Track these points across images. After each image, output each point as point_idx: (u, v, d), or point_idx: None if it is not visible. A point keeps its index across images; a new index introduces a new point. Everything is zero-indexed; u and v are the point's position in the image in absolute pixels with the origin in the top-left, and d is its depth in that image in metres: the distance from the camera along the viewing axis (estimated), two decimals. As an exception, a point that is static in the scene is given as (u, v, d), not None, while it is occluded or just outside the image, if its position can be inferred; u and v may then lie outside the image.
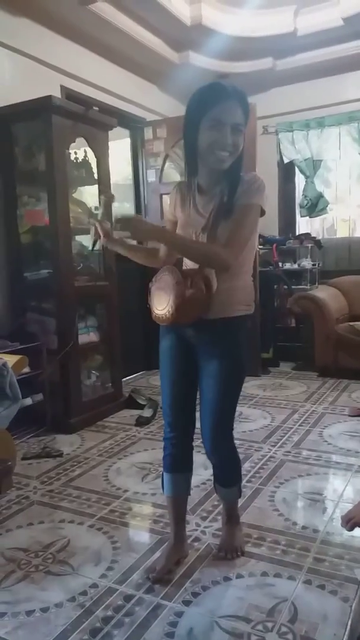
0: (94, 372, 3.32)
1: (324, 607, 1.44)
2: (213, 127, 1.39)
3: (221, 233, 1.45)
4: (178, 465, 1.71)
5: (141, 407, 3.32)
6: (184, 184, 1.58)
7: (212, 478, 2.26)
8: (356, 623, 0.74)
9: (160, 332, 1.65)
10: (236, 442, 2.76)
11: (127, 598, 1.52)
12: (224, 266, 1.41)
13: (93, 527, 1.94)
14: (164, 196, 4.47)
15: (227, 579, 1.60)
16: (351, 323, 3.96)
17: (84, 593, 1.56)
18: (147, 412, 3.21)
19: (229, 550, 1.73)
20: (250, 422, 3.09)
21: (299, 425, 2.99)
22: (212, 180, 1.50)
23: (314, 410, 3.26)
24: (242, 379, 1.62)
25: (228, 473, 1.74)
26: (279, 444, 2.70)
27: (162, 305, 1.45)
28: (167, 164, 4.41)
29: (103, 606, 1.49)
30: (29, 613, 1.47)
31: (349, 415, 3.09)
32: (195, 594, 1.53)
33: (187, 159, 1.50)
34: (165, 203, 4.51)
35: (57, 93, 3.43)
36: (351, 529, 1.06)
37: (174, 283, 1.42)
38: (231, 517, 1.80)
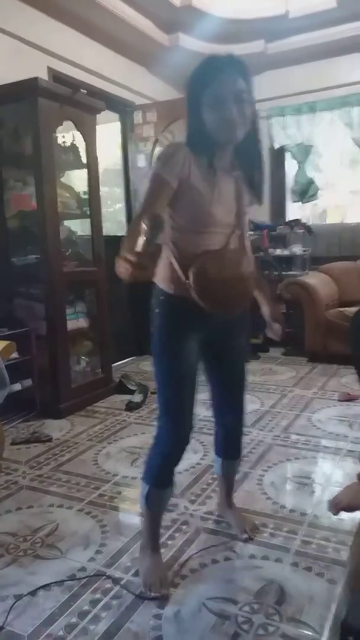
0: (83, 357, 3.31)
1: (310, 589, 1.46)
2: (215, 105, 1.32)
3: (244, 216, 1.45)
4: (171, 478, 1.56)
5: (131, 392, 3.32)
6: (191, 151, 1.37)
7: (200, 462, 2.31)
8: (341, 608, 0.74)
9: (179, 326, 1.45)
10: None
11: (115, 581, 1.53)
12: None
13: (82, 511, 1.94)
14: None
15: (215, 561, 1.61)
16: (341, 309, 3.97)
17: (72, 577, 1.56)
18: (137, 397, 3.22)
19: (252, 529, 1.75)
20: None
21: (288, 410, 3.01)
22: (227, 159, 1.42)
23: (303, 395, 3.28)
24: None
25: (241, 442, 1.76)
26: (267, 428, 2.72)
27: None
28: (157, 148, 4.36)
29: (91, 589, 1.50)
30: (17, 597, 1.47)
31: (339, 400, 3.11)
32: (183, 577, 1.54)
33: (201, 141, 1.37)
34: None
35: (43, 75, 3.36)
36: (337, 513, 1.07)
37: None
38: (231, 497, 1.82)
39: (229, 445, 1.76)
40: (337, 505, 1.08)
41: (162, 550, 1.64)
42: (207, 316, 1.42)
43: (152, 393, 3.39)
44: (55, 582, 1.53)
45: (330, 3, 3.84)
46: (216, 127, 1.34)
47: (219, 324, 1.50)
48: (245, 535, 1.73)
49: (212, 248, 1.40)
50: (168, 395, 1.50)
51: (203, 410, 2.97)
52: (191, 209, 1.37)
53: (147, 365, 4.26)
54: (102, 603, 1.44)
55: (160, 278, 1.47)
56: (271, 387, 3.50)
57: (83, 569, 1.60)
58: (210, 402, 1.71)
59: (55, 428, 2.84)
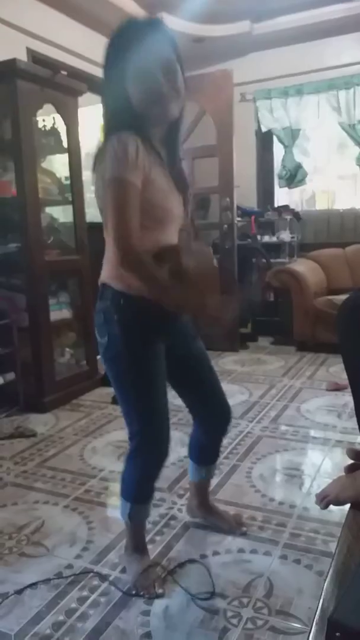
0: (67, 349, 3.25)
1: (299, 581, 1.45)
2: (142, 77, 1.18)
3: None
4: (153, 488, 1.49)
5: (118, 384, 3.27)
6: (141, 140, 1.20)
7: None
8: (328, 603, 0.71)
9: (145, 330, 1.31)
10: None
11: (103, 578, 1.51)
12: None
13: (68, 508, 1.91)
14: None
15: (203, 556, 1.59)
16: (329, 297, 3.95)
17: (59, 574, 1.53)
18: (123, 389, 3.17)
19: (239, 523, 1.71)
20: (227, 397, 3.07)
21: (277, 400, 2.99)
22: (159, 135, 1.28)
23: (291, 385, 3.26)
24: None
25: (220, 445, 1.67)
26: (256, 420, 2.70)
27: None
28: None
29: (78, 587, 1.47)
30: (3, 596, 1.44)
31: (327, 390, 3.10)
32: (171, 572, 1.52)
33: (131, 122, 1.20)
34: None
35: (22, 56, 3.25)
36: (325, 507, 1.04)
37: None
38: (208, 497, 1.77)
39: (211, 449, 1.66)
40: (325, 499, 1.05)
41: (150, 547, 1.61)
42: (172, 315, 1.31)
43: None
44: (42, 580, 1.50)
45: (317, -18, 3.76)
46: (145, 103, 1.19)
47: (177, 322, 1.40)
48: (244, 529, 1.69)
49: (169, 243, 1.27)
50: (146, 408, 1.38)
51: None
52: (147, 205, 1.21)
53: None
54: (89, 600, 1.42)
55: (114, 276, 1.29)
56: (260, 377, 3.48)
57: (70, 566, 1.57)
58: (190, 411, 1.60)
59: (40, 422, 2.79)
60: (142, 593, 1.44)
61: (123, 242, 1.17)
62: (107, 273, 1.32)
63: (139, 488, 1.46)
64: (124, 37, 1.20)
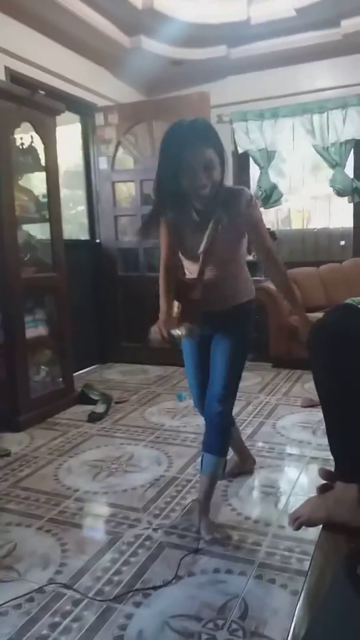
0: (43, 367, 3.21)
1: (274, 601, 1.45)
2: (186, 173, 1.62)
3: (220, 247, 1.75)
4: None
5: (94, 402, 3.24)
6: (170, 215, 1.77)
7: (165, 474, 2.27)
8: (299, 628, 0.72)
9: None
10: (188, 435, 2.76)
11: (76, 603, 1.48)
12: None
13: (42, 529, 1.87)
14: (116, 184, 4.37)
15: (178, 577, 1.57)
16: (304, 314, 4.01)
17: (31, 599, 1.50)
18: (100, 408, 3.15)
19: (223, 535, 1.80)
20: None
21: (253, 417, 3.01)
22: (200, 204, 1.73)
23: (267, 402, 3.29)
24: (246, 353, 1.93)
25: (220, 437, 1.86)
26: (232, 436, 2.70)
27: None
28: (120, 150, 4.31)
29: (50, 612, 1.44)
30: (-29, 624, 1.40)
31: (301, 406, 3.13)
32: (146, 595, 1.50)
33: (171, 196, 1.70)
34: (119, 190, 4.41)
35: (1, 75, 3.27)
36: (298, 528, 1.05)
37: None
38: (208, 499, 1.86)
39: (209, 434, 1.86)
40: (297, 520, 1.07)
41: (125, 568, 1.61)
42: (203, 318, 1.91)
43: (116, 402, 3.33)
44: (13, 606, 1.46)
45: (289, 12, 3.89)
46: (188, 188, 1.67)
47: (211, 326, 1.93)
48: (209, 537, 1.75)
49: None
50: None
51: (167, 420, 2.97)
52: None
53: (111, 373, 4.20)
54: (61, 627, 1.39)
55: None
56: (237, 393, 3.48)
57: (41, 590, 1.53)
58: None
59: (14, 442, 2.74)
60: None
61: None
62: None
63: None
64: (174, 141, 1.63)
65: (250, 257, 4.73)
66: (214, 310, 1.84)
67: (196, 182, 1.63)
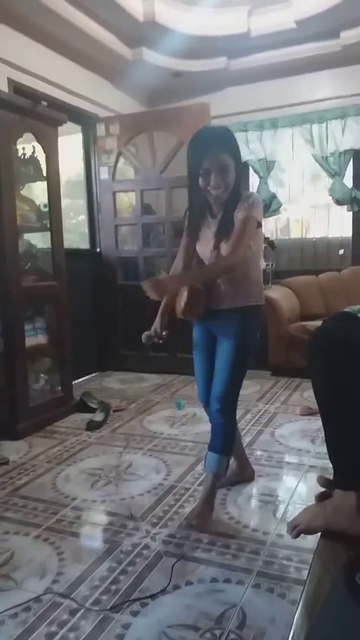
0: (42, 375, 3.21)
1: (272, 610, 1.44)
2: (204, 174, 1.77)
3: (223, 247, 1.84)
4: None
5: (92, 410, 3.24)
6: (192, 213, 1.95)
7: (163, 482, 2.27)
8: (297, 636, 0.72)
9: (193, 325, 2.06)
10: (187, 444, 2.76)
11: (73, 612, 1.47)
12: (231, 269, 1.81)
13: (39, 538, 1.86)
14: (117, 194, 4.40)
15: (176, 587, 1.57)
16: (303, 323, 4.03)
17: (27, 609, 1.49)
18: (98, 416, 3.14)
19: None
20: (203, 423, 3.06)
21: (252, 425, 3.00)
22: (218, 206, 1.88)
23: (266, 410, 3.29)
24: (247, 356, 1.94)
25: (221, 436, 1.93)
26: (231, 445, 2.70)
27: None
28: (121, 160, 4.35)
29: (47, 622, 1.43)
30: (-32, 633, 1.39)
31: (300, 415, 3.13)
32: (143, 604, 1.49)
33: (195, 197, 1.89)
34: (119, 199, 4.44)
35: (3, 86, 3.31)
36: (296, 536, 1.05)
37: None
38: (211, 500, 1.93)
39: (212, 433, 1.96)
40: (296, 528, 1.06)
41: (122, 577, 1.61)
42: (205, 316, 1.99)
43: (115, 411, 3.33)
44: (9, 616, 1.45)
45: (289, 24, 3.94)
46: (205, 189, 1.81)
47: (212, 324, 2.01)
48: (186, 523, 1.88)
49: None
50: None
51: (166, 428, 2.97)
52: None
53: (110, 381, 4.20)
54: (58, 636, 1.38)
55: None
56: (235, 401, 3.49)
57: (38, 600, 1.52)
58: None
59: (12, 450, 2.73)
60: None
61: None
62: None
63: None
64: (195, 145, 1.79)
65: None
66: (219, 308, 1.91)
67: (210, 182, 1.77)
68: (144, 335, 2.03)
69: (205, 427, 2.98)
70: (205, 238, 1.93)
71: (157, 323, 2.01)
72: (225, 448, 1.94)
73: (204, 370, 2.04)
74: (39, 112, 2.99)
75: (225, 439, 1.94)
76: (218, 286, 1.90)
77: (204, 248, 1.94)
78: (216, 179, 1.76)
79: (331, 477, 1.06)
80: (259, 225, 1.85)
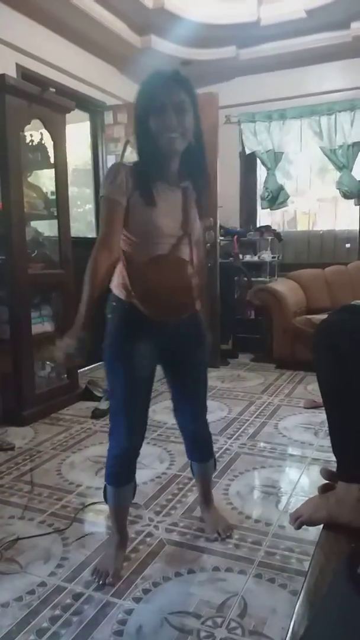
0: (48, 362, 3.23)
1: (273, 600, 1.45)
2: (157, 111, 1.40)
3: (192, 225, 1.52)
4: (129, 476, 1.62)
5: (98, 399, 3.26)
6: (132, 169, 1.44)
7: (167, 472, 2.29)
8: (298, 626, 0.73)
9: (124, 333, 1.49)
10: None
11: (76, 596, 1.49)
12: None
13: (44, 523, 1.88)
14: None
15: (178, 574, 1.58)
16: (308, 316, 4.02)
17: (32, 592, 1.51)
18: (103, 405, 3.15)
19: (225, 529, 1.79)
20: (208, 414, 3.09)
21: (255, 417, 3.01)
22: (174, 170, 1.50)
23: (270, 402, 3.30)
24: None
25: (208, 445, 1.81)
26: (235, 436, 2.71)
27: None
28: (128, 149, 4.32)
29: (51, 605, 1.46)
30: (-27, 615, 1.42)
31: (304, 407, 3.14)
32: (145, 591, 1.51)
33: (144, 149, 1.46)
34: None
35: (12, 72, 3.29)
36: (299, 527, 1.05)
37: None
38: (208, 498, 1.86)
39: (196, 449, 1.81)
40: (298, 520, 1.07)
41: (125, 564, 1.62)
42: (156, 321, 1.49)
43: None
44: (14, 599, 1.48)
45: (300, 13, 3.89)
46: (158, 135, 1.41)
47: (170, 329, 1.54)
48: (215, 536, 1.76)
49: (158, 254, 1.48)
50: (121, 399, 1.54)
51: (170, 418, 2.97)
52: (135, 223, 1.45)
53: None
54: (61, 620, 1.40)
55: (114, 284, 1.53)
56: (239, 393, 3.50)
57: (43, 584, 1.55)
58: (172, 407, 1.75)
59: (18, 436, 2.76)
60: (96, 576, 1.57)
61: (94, 249, 1.44)
62: (112, 280, 1.54)
63: (111, 471, 1.60)
64: (148, 83, 1.44)
65: (255, 258, 4.77)
66: (179, 312, 1.53)
67: (165, 121, 1.38)
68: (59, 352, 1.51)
69: (211, 417, 2.97)
70: (166, 203, 1.45)
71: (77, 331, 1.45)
72: (208, 453, 1.83)
73: (148, 395, 1.61)
74: (47, 99, 2.97)
75: (208, 446, 1.82)
76: (181, 279, 1.52)
77: (166, 219, 1.45)
78: (171, 118, 1.39)
79: (334, 469, 1.07)
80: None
